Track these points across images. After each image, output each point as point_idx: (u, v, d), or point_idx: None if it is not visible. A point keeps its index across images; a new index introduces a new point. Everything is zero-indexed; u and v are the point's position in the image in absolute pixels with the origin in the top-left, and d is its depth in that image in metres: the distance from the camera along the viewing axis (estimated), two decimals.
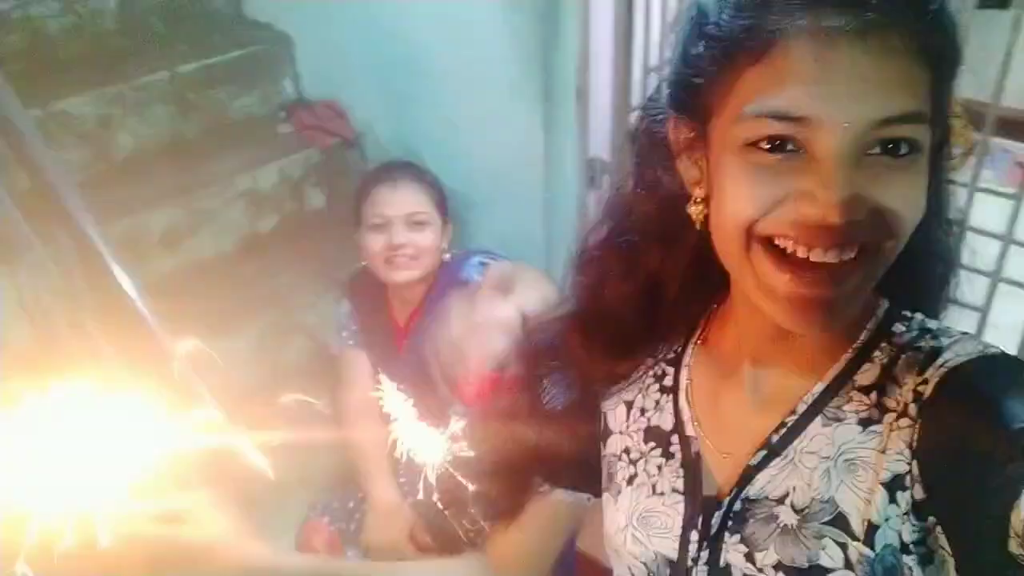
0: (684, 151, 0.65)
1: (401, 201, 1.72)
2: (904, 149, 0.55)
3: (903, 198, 0.56)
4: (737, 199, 0.58)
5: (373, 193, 1.74)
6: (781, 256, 0.57)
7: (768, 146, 0.56)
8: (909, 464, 0.59)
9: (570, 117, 2.17)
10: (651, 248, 0.71)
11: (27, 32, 2.65)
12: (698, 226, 0.64)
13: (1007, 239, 1.62)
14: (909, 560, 0.59)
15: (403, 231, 1.71)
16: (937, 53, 0.55)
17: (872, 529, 0.60)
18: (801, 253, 0.57)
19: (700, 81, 0.60)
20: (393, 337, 1.82)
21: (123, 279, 1.50)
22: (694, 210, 0.64)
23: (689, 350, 0.77)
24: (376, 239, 1.72)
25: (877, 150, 0.55)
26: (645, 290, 0.72)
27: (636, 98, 2.25)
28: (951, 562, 0.58)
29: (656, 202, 0.69)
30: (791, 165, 0.56)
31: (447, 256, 1.79)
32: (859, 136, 0.54)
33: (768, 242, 0.58)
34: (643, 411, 0.79)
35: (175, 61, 2.64)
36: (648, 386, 0.79)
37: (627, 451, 0.79)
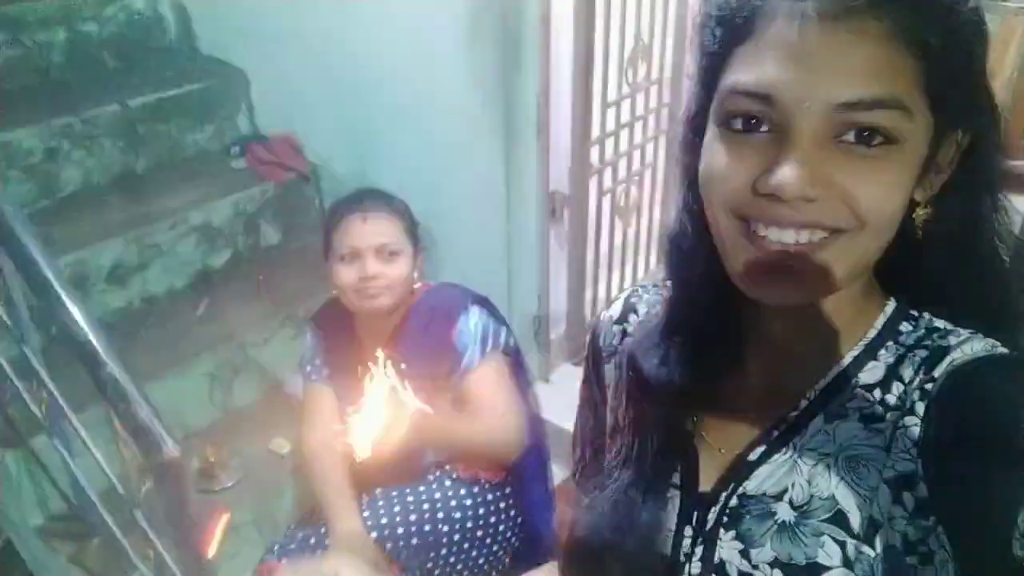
0: (700, 134, 0.64)
1: (372, 232, 1.67)
2: (878, 138, 0.54)
3: (871, 186, 0.55)
4: (713, 174, 0.59)
5: (343, 223, 1.70)
6: (751, 233, 0.58)
7: (740, 124, 0.57)
8: (915, 462, 0.58)
9: (531, 150, 2.18)
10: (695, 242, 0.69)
11: None
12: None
13: None
14: (912, 560, 0.58)
15: (374, 262, 1.66)
16: (926, 42, 0.54)
17: (874, 528, 0.59)
18: (761, 232, 0.57)
19: (705, 62, 0.61)
20: (362, 371, 1.78)
21: (75, 312, 1.43)
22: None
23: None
24: (347, 271, 1.68)
25: (851, 137, 0.54)
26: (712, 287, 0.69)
27: (596, 132, 2.27)
28: (951, 563, 0.57)
29: (691, 194, 0.68)
30: (761, 143, 0.56)
31: (418, 286, 1.76)
32: (823, 118, 0.54)
33: (746, 226, 0.59)
34: None
35: (126, 94, 2.59)
36: None
37: None
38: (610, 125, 2.33)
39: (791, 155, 0.54)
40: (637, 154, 2.51)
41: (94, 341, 1.41)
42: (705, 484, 0.69)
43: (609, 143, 2.36)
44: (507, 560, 1.80)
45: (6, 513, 2.04)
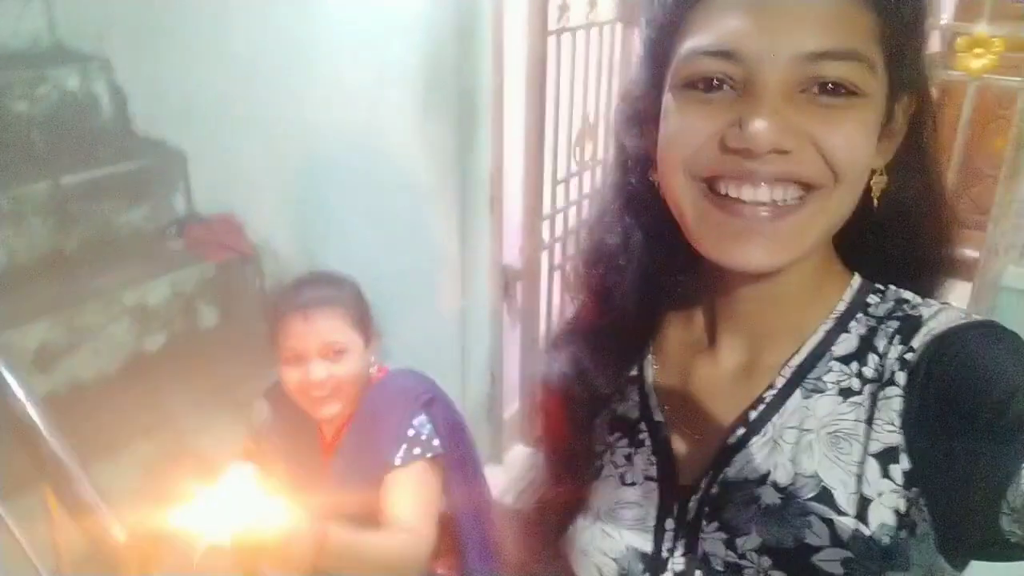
0: (649, 112, 0.63)
1: (315, 332, 1.53)
2: (842, 90, 0.55)
3: (840, 137, 0.55)
4: (674, 139, 0.58)
5: (284, 323, 1.55)
6: (719, 198, 0.57)
7: (703, 86, 0.56)
8: (900, 434, 0.57)
9: (484, 226, 2.17)
10: (635, 228, 0.68)
11: None
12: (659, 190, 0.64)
13: None
14: (903, 533, 0.56)
15: (320, 365, 1.53)
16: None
17: (865, 504, 0.57)
18: (733, 192, 0.56)
19: (655, 34, 0.61)
20: (319, 450, 1.68)
21: (14, 386, 1.33)
22: (654, 175, 0.64)
23: (653, 336, 0.74)
24: (292, 374, 1.54)
25: (815, 90, 0.55)
26: (643, 277, 0.69)
27: (547, 208, 2.29)
28: (932, 534, 0.56)
29: (634, 176, 0.68)
30: (725, 101, 0.56)
31: (374, 370, 1.67)
32: (789, 69, 0.54)
33: (708, 187, 0.58)
34: None
35: (57, 172, 2.50)
36: None
37: None
38: (560, 202, 2.35)
39: (760, 108, 0.54)
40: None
41: (34, 416, 1.31)
42: (685, 475, 0.66)
43: (559, 220, 2.38)
44: None
45: None
